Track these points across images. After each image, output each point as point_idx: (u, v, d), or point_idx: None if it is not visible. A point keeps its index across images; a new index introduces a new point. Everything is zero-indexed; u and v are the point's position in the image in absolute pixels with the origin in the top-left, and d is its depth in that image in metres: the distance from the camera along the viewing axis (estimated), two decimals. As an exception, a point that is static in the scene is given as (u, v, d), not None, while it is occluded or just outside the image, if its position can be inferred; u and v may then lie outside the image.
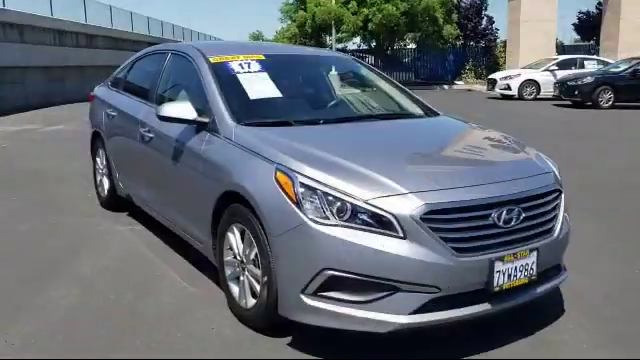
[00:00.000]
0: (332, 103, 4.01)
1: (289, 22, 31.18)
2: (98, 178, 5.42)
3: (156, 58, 4.61)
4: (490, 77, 21.55)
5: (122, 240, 4.44)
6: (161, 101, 4.21)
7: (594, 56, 22.19)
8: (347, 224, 2.53)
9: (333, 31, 28.88)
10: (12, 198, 5.72)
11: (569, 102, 17.05)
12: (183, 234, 3.76)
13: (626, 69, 16.40)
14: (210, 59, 3.82)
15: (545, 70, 19.54)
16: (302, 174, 2.67)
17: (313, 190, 2.62)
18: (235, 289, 3.08)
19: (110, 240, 4.44)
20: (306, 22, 28.93)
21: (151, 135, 4.01)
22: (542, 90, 19.16)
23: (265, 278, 2.76)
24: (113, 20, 25.58)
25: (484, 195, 2.63)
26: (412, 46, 33.62)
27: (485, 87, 22.10)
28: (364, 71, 4.47)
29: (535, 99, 19.22)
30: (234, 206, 3.01)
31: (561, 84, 16.98)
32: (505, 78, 20.03)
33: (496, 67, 29.30)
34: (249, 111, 3.51)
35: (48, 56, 18.83)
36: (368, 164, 2.72)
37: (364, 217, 2.53)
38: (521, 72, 20.13)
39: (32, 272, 3.79)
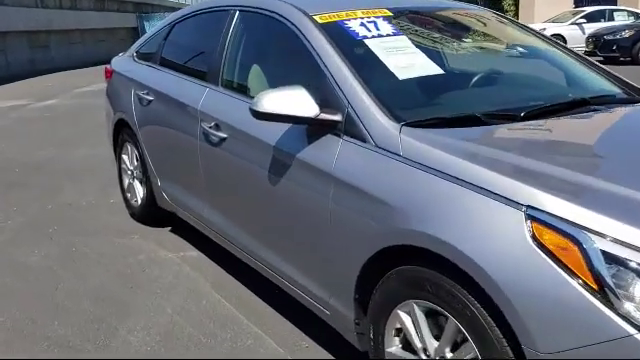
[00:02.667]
0: (508, 81, 2.70)
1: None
2: (126, 181, 4.10)
3: (211, 19, 3.25)
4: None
5: (177, 278, 3.17)
6: (230, 83, 2.90)
7: (623, 7, 20.77)
8: None
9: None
10: (12, 209, 4.39)
11: (601, 58, 15.73)
12: (286, 285, 2.50)
13: (667, 20, 15.09)
14: (316, 17, 2.49)
15: (572, 24, 18.13)
16: (598, 233, 1.41)
17: (626, 265, 1.37)
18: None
19: (160, 279, 3.17)
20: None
21: (222, 135, 2.71)
22: (569, 45, 17.75)
23: None
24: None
25: None
26: None
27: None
28: (514, 29, 3.14)
29: (561, 55, 17.85)
30: (416, 271, 1.77)
31: (596, 38, 15.63)
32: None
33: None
34: (406, 101, 2.22)
35: (30, 19, 17.09)
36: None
37: None
38: (546, 26, 18.65)
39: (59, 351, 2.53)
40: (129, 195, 4.09)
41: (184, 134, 3.10)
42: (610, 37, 15.21)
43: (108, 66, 4.36)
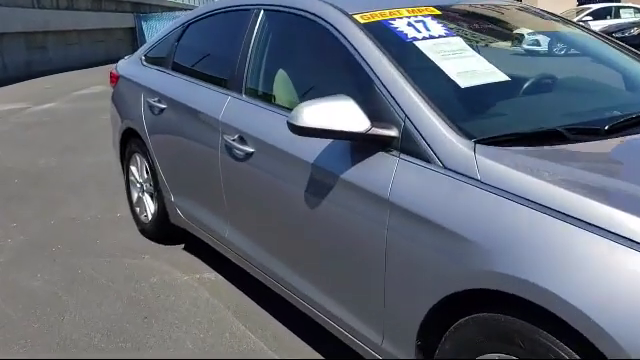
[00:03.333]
0: (576, 87, 2.40)
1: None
2: (135, 195, 3.80)
3: (231, 19, 2.95)
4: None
5: (195, 305, 2.87)
6: (255, 91, 2.60)
7: (629, 4, 20.49)
8: None
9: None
10: (12, 225, 4.08)
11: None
12: (323, 319, 2.19)
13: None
14: (357, 17, 2.19)
15: (578, 21, 17.83)
16: None
17: None
18: None
19: (177, 306, 2.87)
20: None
21: (248, 149, 2.41)
22: (575, 43, 17.51)
23: None
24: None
25: None
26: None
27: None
28: (567, 26, 2.84)
29: (567, 53, 17.58)
30: (501, 320, 1.47)
31: (604, 36, 15.35)
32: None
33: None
34: (473, 113, 1.93)
35: (26, 20, 16.74)
36: None
37: None
38: (551, 24, 18.40)
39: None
40: (138, 210, 3.79)
41: (202, 147, 2.80)
42: (619, 35, 14.94)
43: (113, 70, 4.05)
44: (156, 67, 3.50)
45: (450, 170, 1.64)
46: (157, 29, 24.48)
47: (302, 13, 2.39)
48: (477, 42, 2.27)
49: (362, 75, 1.99)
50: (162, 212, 3.45)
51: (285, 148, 2.22)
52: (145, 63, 3.68)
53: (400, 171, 1.76)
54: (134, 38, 24.94)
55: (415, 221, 1.67)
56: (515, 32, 2.69)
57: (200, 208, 3.02)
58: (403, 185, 1.73)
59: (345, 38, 2.12)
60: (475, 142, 1.65)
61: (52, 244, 3.68)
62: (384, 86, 1.89)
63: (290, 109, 2.31)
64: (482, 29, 2.43)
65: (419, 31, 2.16)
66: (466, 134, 1.69)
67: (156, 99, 3.27)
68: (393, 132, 1.80)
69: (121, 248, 3.59)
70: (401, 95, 1.84)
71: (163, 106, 3.19)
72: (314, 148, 2.06)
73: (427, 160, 1.71)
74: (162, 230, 3.57)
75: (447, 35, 2.17)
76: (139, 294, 2.99)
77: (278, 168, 2.27)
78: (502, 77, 2.00)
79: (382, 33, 2.12)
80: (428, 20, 2.24)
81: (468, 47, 2.13)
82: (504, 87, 2.02)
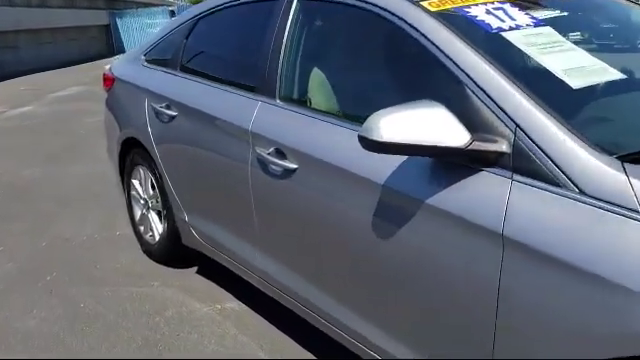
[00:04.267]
0: None
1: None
2: (137, 212, 3.37)
3: (255, 11, 2.55)
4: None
5: (221, 344, 2.48)
6: (292, 96, 2.21)
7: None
8: None
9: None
10: (-3, 248, 3.63)
11: None
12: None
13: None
14: (424, 4, 1.81)
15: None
16: None
17: None
18: None
19: (201, 347, 2.47)
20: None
21: (289, 165, 2.02)
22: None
23: None
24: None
25: None
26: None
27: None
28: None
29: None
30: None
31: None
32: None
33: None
34: (599, 121, 1.56)
35: (-3, 19, 16.01)
36: None
37: None
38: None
39: None
40: (142, 228, 3.37)
41: (226, 160, 2.40)
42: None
43: (107, 72, 3.61)
44: (160, 68, 3.08)
45: (592, 197, 1.27)
46: (132, 26, 23.79)
47: (350, 0, 2.00)
48: (571, 31, 1.91)
49: (445, 75, 1.62)
50: (173, 232, 3.04)
51: (341, 164, 1.84)
52: (146, 64, 3.25)
53: (516, 197, 1.38)
54: (109, 36, 24.16)
55: (544, 264, 1.30)
56: (605, 17, 2.31)
57: (221, 230, 2.62)
58: (522, 215, 1.36)
59: (415, 29, 1.74)
60: (621, 160, 1.29)
61: (46, 271, 3.24)
62: (482, 89, 1.52)
63: (342, 117, 1.95)
64: (572, 15, 2.07)
65: (502, 20, 1.79)
66: (604, 149, 1.32)
67: (163, 105, 2.85)
68: (502, 147, 1.43)
69: (125, 274, 3.17)
70: (508, 100, 1.46)
71: (173, 113, 2.77)
72: (382, 164, 1.68)
73: (554, 183, 1.34)
74: (172, 252, 3.17)
75: (536, 24, 1.80)
76: (155, 332, 2.59)
77: (332, 188, 1.88)
78: (616, 75, 1.64)
79: (461, 23, 1.74)
80: (507, 6, 1.87)
81: (563, 38, 1.76)
82: (620, 86, 1.66)
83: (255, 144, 2.20)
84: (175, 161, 2.85)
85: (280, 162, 2.06)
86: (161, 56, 3.17)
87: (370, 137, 1.48)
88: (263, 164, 2.16)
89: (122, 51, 22.68)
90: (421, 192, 1.57)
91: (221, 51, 2.82)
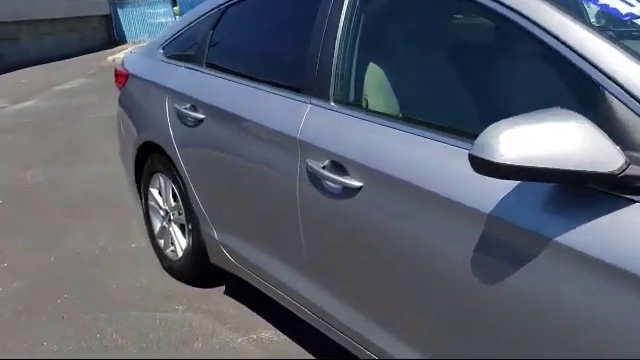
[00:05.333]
0: None
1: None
2: (157, 224, 3.03)
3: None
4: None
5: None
6: (349, 97, 1.85)
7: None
8: None
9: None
10: (2, 265, 3.28)
11: None
12: None
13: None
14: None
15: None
16: None
17: None
18: None
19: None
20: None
21: (352, 182, 1.67)
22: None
23: None
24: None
25: None
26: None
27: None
28: None
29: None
30: None
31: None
32: None
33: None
34: None
35: (-4, 10, 15.60)
36: None
37: None
38: None
39: None
40: (162, 242, 3.03)
41: (268, 172, 2.06)
42: None
43: (119, 67, 3.25)
44: (183, 64, 2.71)
45: None
46: (133, 16, 23.33)
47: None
48: None
49: (575, 77, 1.26)
50: (199, 250, 2.70)
51: (423, 184, 1.48)
52: (165, 59, 2.89)
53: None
54: (109, 26, 23.72)
55: None
56: None
57: (259, 251, 2.27)
58: None
59: (527, 17, 1.37)
60: None
61: (56, 292, 2.90)
62: (633, 96, 1.16)
63: (421, 125, 1.59)
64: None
65: (630, 4, 1.42)
66: None
67: (188, 106, 2.50)
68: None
69: (145, 294, 2.83)
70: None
71: (200, 116, 2.41)
72: (480, 185, 1.33)
73: None
74: (197, 271, 2.83)
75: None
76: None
77: (410, 212, 1.53)
78: None
79: (579, 8, 1.38)
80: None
81: None
82: None
83: (305, 155, 1.85)
84: (203, 170, 2.50)
85: (339, 178, 1.71)
86: (182, 50, 2.81)
87: (486, 157, 1.13)
88: (315, 179, 1.81)
89: (123, 42, 22.27)
90: (541, 225, 1.22)
91: (256, 44, 2.44)
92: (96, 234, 3.58)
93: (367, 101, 1.83)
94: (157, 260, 3.09)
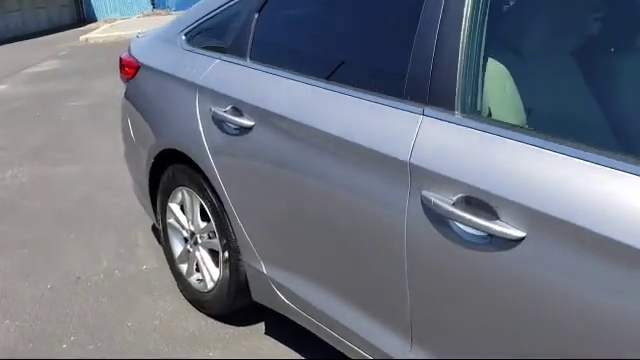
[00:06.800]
0: None
1: None
2: (177, 247, 2.53)
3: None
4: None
5: None
6: (475, 106, 1.37)
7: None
8: None
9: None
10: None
11: None
12: None
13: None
14: None
15: None
16: None
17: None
18: None
19: None
20: None
21: (507, 232, 1.20)
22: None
23: None
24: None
25: None
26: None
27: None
28: None
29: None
30: None
31: None
32: None
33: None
34: None
35: (-43, -14, 14.54)
36: None
37: None
38: None
39: None
40: (184, 268, 2.52)
41: (359, 202, 1.57)
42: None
43: (126, 56, 2.70)
44: (216, 55, 2.18)
45: None
46: (105, -7, 22.24)
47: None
48: None
49: None
50: (239, 284, 2.20)
51: (610, 234, 1.03)
52: (189, 47, 2.35)
53: None
54: (79, 3, 22.60)
55: None
56: None
57: (333, 299, 1.79)
58: None
59: None
60: None
61: (60, 333, 2.37)
62: None
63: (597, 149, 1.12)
64: None
65: None
66: None
67: (228, 109, 1.98)
68: None
69: (169, 336, 2.33)
70: None
71: (247, 122, 1.90)
72: None
73: None
74: (233, 307, 2.33)
75: None
76: None
77: (591, 273, 1.07)
78: None
79: None
80: None
81: None
82: None
83: (420, 186, 1.37)
84: (249, 191, 1.99)
85: (481, 222, 1.24)
86: (213, 37, 2.28)
87: None
88: (439, 218, 1.34)
89: (93, 20, 21.20)
90: None
91: (328, 33, 1.92)
92: (97, 252, 3.03)
93: (513, 114, 1.35)
94: (175, 287, 2.59)
